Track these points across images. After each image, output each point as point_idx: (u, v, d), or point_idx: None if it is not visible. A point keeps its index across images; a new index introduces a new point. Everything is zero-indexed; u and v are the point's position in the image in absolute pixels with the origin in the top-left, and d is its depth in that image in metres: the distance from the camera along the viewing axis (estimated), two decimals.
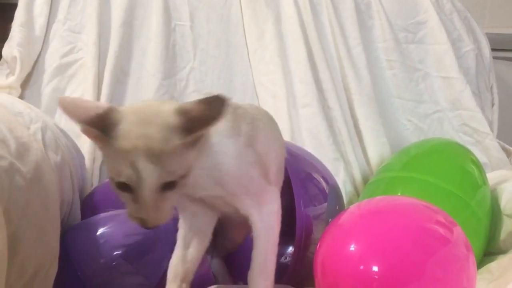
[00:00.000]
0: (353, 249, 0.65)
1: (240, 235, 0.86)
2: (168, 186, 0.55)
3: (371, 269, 0.62)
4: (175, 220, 0.78)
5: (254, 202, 0.68)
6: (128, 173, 0.53)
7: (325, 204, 0.93)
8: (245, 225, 0.70)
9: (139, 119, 0.54)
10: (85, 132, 0.55)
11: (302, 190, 0.90)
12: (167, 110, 0.56)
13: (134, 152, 0.52)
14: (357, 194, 1.22)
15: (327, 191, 0.96)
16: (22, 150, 0.60)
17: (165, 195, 0.55)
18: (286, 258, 1.02)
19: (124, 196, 0.55)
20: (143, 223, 0.56)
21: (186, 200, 0.70)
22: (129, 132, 0.53)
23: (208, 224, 0.73)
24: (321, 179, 0.98)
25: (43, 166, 0.63)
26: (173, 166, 0.55)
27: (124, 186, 0.54)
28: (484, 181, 1.02)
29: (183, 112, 0.55)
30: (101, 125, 0.53)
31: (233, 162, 0.64)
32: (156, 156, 0.53)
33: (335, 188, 1.00)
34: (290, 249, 1.05)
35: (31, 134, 0.68)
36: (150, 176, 0.53)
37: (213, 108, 0.55)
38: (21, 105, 0.76)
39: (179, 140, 0.54)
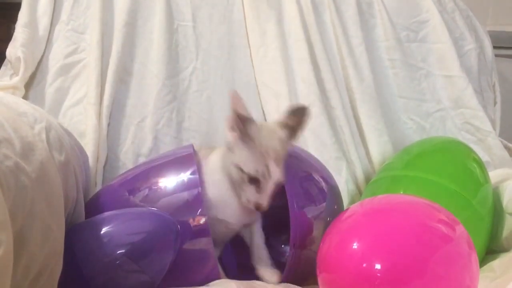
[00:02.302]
0: (355, 247, 0.66)
1: None
2: None
3: (374, 266, 0.63)
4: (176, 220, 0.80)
5: None
6: (263, 171, 0.79)
7: (324, 204, 0.94)
8: None
9: (268, 135, 0.82)
10: (234, 121, 0.80)
11: (300, 189, 0.91)
12: (276, 127, 0.84)
13: (268, 158, 0.79)
14: (359, 192, 1.22)
15: (326, 190, 0.97)
16: (27, 149, 0.61)
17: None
18: (285, 257, 1.03)
19: (249, 187, 0.81)
20: (258, 206, 0.81)
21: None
22: (267, 145, 0.80)
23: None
24: (320, 179, 0.98)
25: (48, 166, 0.64)
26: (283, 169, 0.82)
27: (253, 180, 0.80)
28: (486, 179, 1.02)
29: (284, 126, 0.84)
30: (247, 124, 0.79)
31: None
32: (279, 163, 0.81)
33: (334, 188, 1.01)
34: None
35: (35, 134, 0.68)
36: (276, 175, 0.80)
37: (301, 116, 0.84)
38: (25, 105, 0.77)
39: (287, 149, 0.83)
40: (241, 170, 0.81)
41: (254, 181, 0.81)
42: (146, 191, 0.86)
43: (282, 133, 0.83)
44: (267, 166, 0.80)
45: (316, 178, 0.98)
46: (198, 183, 0.83)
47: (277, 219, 0.94)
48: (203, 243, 0.82)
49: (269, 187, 0.81)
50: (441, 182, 0.96)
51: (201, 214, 0.81)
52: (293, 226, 0.85)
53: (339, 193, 1.04)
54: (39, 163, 0.61)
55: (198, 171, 0.85)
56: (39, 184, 0.59)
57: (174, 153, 0.97)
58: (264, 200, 0.80)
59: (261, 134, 0.81)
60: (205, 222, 0.81)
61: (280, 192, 0.85)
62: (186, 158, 0.88)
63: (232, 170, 0.83)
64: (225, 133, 0.84)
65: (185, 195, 0.84)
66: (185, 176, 0.85)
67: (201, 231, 0.81)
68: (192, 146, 0.93)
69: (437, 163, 1.02)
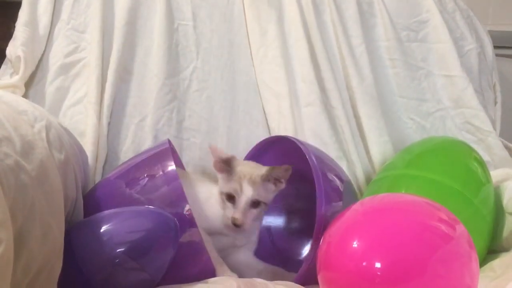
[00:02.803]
0: (356, 245, 0.66)
1: None
2: (254, 204, 0.96)
3: (374, 265, 0.63)
4: (176, 218, 0.80)
5: None
6: (236, 189, 0.95)
7: (341, 203, 0.95)
8: None
9: (247, 165, 1.00)
10: (216, 164, 0.98)
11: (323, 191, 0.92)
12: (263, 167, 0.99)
13: (243, 179, 0.95)
14: (359, 193, 1.22)
15: (341, 189, 0.98)
16: (27, 148, 0.61)
17: (251, 209, 0.96)
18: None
19: (227, 204, 0.96)
20: (234, 221, 0.93)
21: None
22: (242, 170, 0.96)
23: None
24: (336, 178, 1.00)
25: (48, 164, 0.64)
26: (260, 191, 0.96)
27: (230, 197, 0.95)
28: (488, 179, 1.02)
29: (269, 168, 0.97)
30: (227, 163, 0.97)
31: None
32: (252, 183, 0.95)
33: (349, 184, 1.02)
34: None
35: (35, 133, 0.68)
36: (248, 192, 0.95)
37: (285, 171, 0.97)
38: (25, 104, 0.77)
39: (264, 178, 0.96)
40: (222, 192, 0.97)
41: (230, 198, 0.96)
42: (138, 184, 0.89)
43: (263, 169, 0.98)
44: (240, 185, 0.95)
45: (334, 177, 1.00)
46: (176, 176, 0.86)
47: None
48: (192, 234, 0.82)
49: (242, 202, 0.94)
50: (443, 181, 0.95)
51: (186, 206, 0.83)
52: (318, 225, 0.87)
53: (353, 189, 1.05)
54: (39, 161, 0.61)
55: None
56: (39, 182, 0.59)
57: (154, 148, 1.01)
58: (238, 214, 0.94)
59: (239, 164, 0.98)
60: (190, 212, 0.83)
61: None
62: (164, 153, 0.92)
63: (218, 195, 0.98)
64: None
65: (166, 189, 0.86)
66: (164, 169, 0.88)
67: (188, 222, 0.82)
68: (168, 141, 0.99)
69: (439, 162, 1.02)
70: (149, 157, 0.96)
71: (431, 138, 1.27)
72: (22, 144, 0.60)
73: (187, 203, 0.83)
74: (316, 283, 0.84)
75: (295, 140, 1.01)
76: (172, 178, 0.86)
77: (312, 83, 1.29)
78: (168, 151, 0.91)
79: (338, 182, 1.01)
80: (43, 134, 0.71)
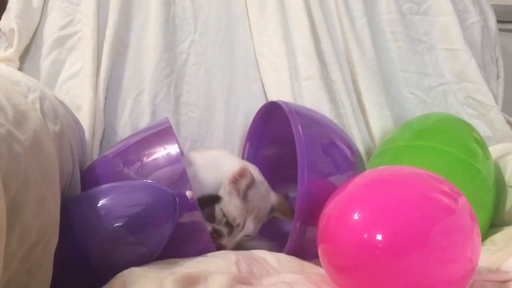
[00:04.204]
0: (357, 217, 0.65)
1: None
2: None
3: (375, 237, 0.62)
4: (175, 193, 0.79)
5: None
6: (239, 223, 0.91)
7: (352, 172, 0.92)
8: None
9: (259, 196, 0.94)
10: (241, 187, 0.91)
11: (316, 161, 0.90)
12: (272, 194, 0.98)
13: (249, 214, 0.92)
14: None
15: (351, 159, 0.96)
16: (20, 117, 0.59)
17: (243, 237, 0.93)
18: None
19: (223, 227, 0.90)
20: (219, 245, 0.88)
21: None
22: (252, 201, 0.92)
23: None
24: (345, 147, 0.97)
25: (42, 135, 0.62)
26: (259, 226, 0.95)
27: (229, 225, 0.91)
28: (488, 156, 1.01)
29: (278, 204, 0.97)
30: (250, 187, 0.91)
31: None
32: (257, 221, 0.94)
33: (359, 155, 1.01)
34: None
35: (28, 103, 0.66)
36: (249, 230, 0.92)
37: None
38: (18, 74, 0.75)
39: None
40: (223, 213, 0.91)
41: (229, 226, 0.91)
42: (138, 164, 0.86)
43: (274, 198, 0.96)
44: (245, 220, 0.91)
45: (340, 146, 0.97)
46: (179, 157, 0.84)
47: None
48: (193, 215, 0.82)
49: (239, 236, 0.91)
50: (449, 150, 0.94)
51: (189, 189, 0.82)
52: (300, 199, 0.84)
53: (362, 160, 1.04)
54: (32, 131, 0.59)
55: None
56: (33, 153, 0.58)
57: (153, 127, 0.99)
58: (230, 244, 0.90)
59: (255, 195, 0.92)
60: (193, 197, 0.81)
61: None
62: (165, 132, 0.90)
63: (217, 209, 0.91)
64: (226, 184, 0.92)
65: (167, 170, 0.84)
66: (166, 150, 0.86)
67: (192, 205, 0.81)
68: (168, 120, 0.96)
69: (442, 134, 1.01)
70: (149, 136, 0.94)
71: (431, 114, 1.26)
72: (15, 113, 0.58)
73: (190, 187, 0.81)
74: (304, 257, 0.86)
75: (284, 106, 0.97)
76: (175, 160, 0.85)
77: (312, 56, 1.26)
78: (169, 131, 0.89)
79: (345, 152, 0.97)
80: (37, 105, 0.69)
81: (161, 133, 0.92)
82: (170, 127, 0.91)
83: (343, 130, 1.07)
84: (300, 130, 0.89)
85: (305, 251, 0.87)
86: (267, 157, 1.18)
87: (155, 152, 0.87)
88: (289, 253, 0.87)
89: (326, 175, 0.91)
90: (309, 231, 0.86)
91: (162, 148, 0.87)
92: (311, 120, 1.01)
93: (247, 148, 1.19)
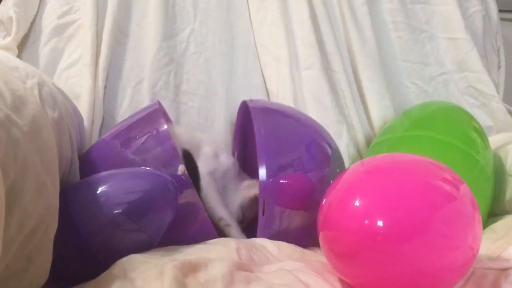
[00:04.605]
0: (357, 204, 0.64)
1: None
2: None
3: (376, 224, 0.61)
4: (174, 179, 0.79)
5: None
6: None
7: (328, 169, 0.94)
8: None
9: None
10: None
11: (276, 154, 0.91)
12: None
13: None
14: (360, 156, 1.21)
15: (330, 155, 0.96)
16: (19, 102, 0.59)
17: None
18: None
19: None
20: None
21: None
22: None
23: None
24: (325, 144, 0.98)
25: (41, 120, 0.61)
26: None
27: None
28: (487, 146, 1.01)
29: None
30: None
31: None
32: None
33: (336, 152, 1.01)
34: None
35: (27, 88, 0.66)
36: None
37: None
38: (16, 61, 0.74)
39: None
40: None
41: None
42: (133, 145, 0.88)
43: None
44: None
45: (319, 143, 0.98)
46: (169, 136, 0.85)
47: None
48: (187, 195, 0.81)
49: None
50: (448, 140, 0.94)
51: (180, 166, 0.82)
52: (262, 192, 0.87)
53: (341, 157, 1.04)
54: (31, 117, 0.59)
55: None
56: (31, 138, 0.57)
57: (144, 109, 0.99)
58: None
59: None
60: (184, 172, 0.81)
61: None
62: (154, 114, 0.90)
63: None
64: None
65: (159, 149, 0.85)
66: (156, 130, 0.87)
67: (185, 183, 0.82)
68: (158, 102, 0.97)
69: (442, 123, 1.00)
70: (140, 119, 0.94)
71: (430, 102, 1.25)
72: (13, 98, 0.58)
73: (181, 163, 0.81)
74: None
75: (249, 104, 1.01)
76: (165, 139, 0.85)
77: (313, 46, 1.25)
78: (158, 112, 0.89)
79: (325, 149, 0.98)
80: (36, 91, 0.69)
81: (152, 114, 0.92)
82: (158, 109, 0.91)
83: (323, 129, 1.07)
84: (262, 130, 0.91)
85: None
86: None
87: (145, 133, 0.87)
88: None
89: (295, 168, 0.92)
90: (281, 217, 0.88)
91: (152, 128, 0.88)
92: (278, 118, 1.02)
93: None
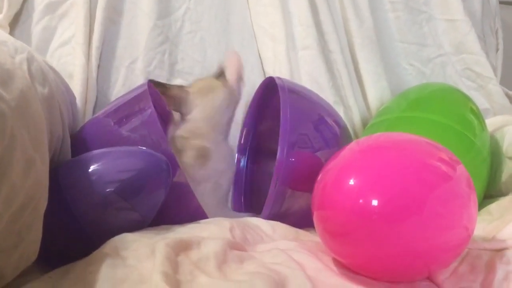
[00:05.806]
0: (352, 183, 0.63)
1: None
2: None
3: (371, 202, 0.60)
4: (168, 159, 0.78)
5: None
6: None
7: (337, 148, 0.92)
8: None
9: None
10: None
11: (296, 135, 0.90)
12: None
13: None
14: (356, 138, 1.20)
15: (339, 134, 0.96)
16: (6, 77, 0.57)
17: None
18: None
19: None
20: None
21: None
22: None
23: None
24: (333, 123, 0.98)
25: (29, 96, 0.60)
26: None
27: None
28: (483, 128, 1.00)
29: None
30: None
31: None
32: None
33: (346, 130, 1.00)
34: None
35: (15, 63, 0.64)
36: None
37: None
38: (5, 35, 0.73)
39: None
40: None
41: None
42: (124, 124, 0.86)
43: None
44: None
45: (330, 122, 0.98)
46: (156, 119, 0.83)
47: None
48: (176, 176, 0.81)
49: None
50: (444, 121, 0.93)
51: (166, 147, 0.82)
52: (277, 168, 0.86)
53: (349, 134, 1.04)
54: (19, 91, 0.57)
55: None
56: (19, 113, 0.56)
57: (135, 89, 0.97)
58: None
59: None
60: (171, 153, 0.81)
61: None
62: (142, 95, 0.88)
63: None
64: None
65: (146, 131, 0.83)
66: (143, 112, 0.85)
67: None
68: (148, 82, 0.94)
69: (438, 105, 0.99)
70: (130, 99, 0.92)
71: (427, 84, 1.24)
72: (0, 72, 0.56)
73: (168, 145, 0.81)
74: None
75: (276, 81, 0.98)
76: (152, 122, 0.83)
77: (309, 26, 1.24)
78: (146, 94, 0.87)
79: (334, 128, 0.98)
80: (24, 66, 0.67)
81: (141, 95, 0.90)
82: (146, 91, 0.89)
83: (332, 108, 1.06)
84: (288, 106, 0.90)
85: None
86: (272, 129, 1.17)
87: (134, 113, 0.86)
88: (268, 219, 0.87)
89: (311, 149, 0.92)
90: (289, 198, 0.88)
91: (137, 107, 0.87)
92: (301, 97, 1.00)
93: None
